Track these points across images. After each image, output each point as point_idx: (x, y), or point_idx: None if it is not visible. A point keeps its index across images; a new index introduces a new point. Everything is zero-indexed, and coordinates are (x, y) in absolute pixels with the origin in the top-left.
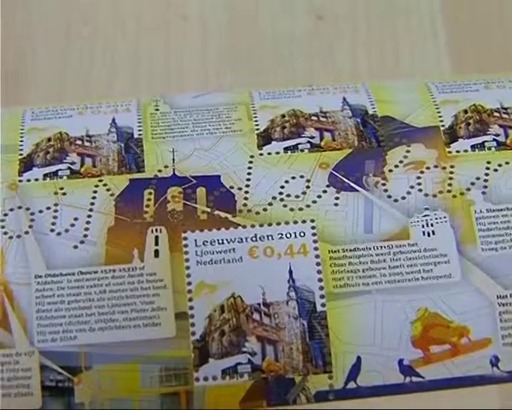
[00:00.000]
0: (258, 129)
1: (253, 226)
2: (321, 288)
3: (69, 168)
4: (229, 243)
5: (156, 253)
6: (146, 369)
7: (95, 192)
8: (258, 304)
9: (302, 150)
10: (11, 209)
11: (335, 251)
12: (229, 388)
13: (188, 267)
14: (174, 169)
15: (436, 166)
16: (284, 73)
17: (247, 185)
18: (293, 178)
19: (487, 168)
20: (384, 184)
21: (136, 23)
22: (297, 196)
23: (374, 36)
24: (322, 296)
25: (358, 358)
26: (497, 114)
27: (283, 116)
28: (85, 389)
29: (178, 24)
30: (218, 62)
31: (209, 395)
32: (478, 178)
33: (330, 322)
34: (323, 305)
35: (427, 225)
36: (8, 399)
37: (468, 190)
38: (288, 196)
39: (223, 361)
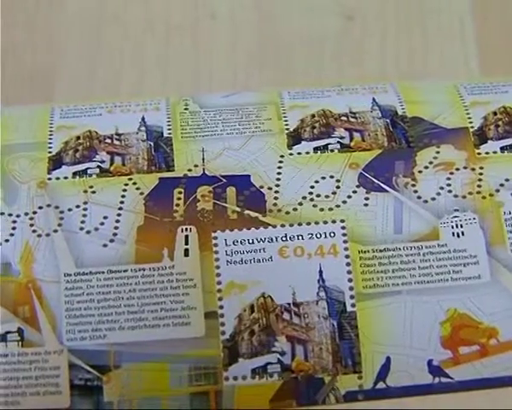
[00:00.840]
0: (287, 129)
1: (283, 226)
2: (351, 288)
3: (98, 167)
4: (259, 242)
5: (186, 252)
6: (175, 368)
7: (124, 191)
8: (288, 304)
9: (332, 150)
10: (40, 207)
11: (365, 251)
12: (259, 387)
13: (218, 267)
14: (204, 168)
15: (465, 168)
16: (313, 73)
17: (277, 185)
18: (323, 178)
19: None
20: (414, 185)
21: (165, 22)
22: (327, 196)
23: (403, 36)
24: (352, 297)
25: (388, 358)
26: None
27: (313, 116)
28: (114, 388)
29: (207, 23)
30: (247, 61)
31: (238, 394)
32: (507, 180)
33: (360, 322)
34: (353, 305)
35: (457, 226)
36: (37, 397)
37: (498, 191)
38: (318, 196)
39: (252, 361)
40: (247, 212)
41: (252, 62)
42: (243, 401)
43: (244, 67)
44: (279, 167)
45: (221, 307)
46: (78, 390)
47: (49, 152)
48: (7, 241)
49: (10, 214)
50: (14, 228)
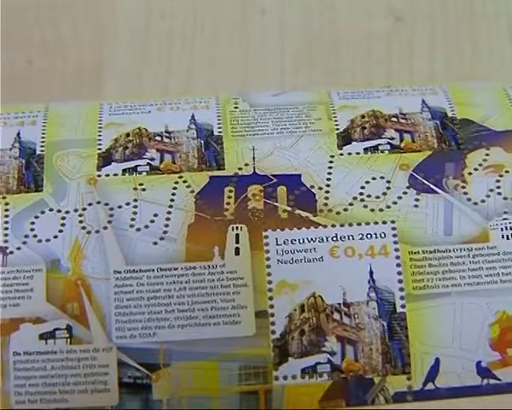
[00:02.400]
0: (338, 129)
1: (333, 226)
2: (401, 289)
3: (148, 164)
4: (309, 242)
5: (237, 251)
6: (225, 367)
7: (174, 189)
8: (339, 304)
9: (382, 151)
10: (90, 204)
11: (415, 252)
12: (309, 387)
13: (268, 266)
14: (254, 167)
15: None
16: (361, 74)
17: (328, 185)
18: (374, 178)
19: None
20: (464, 187)
21: (214, 19)
22: (377, 197)
23: (451, 38)
24: (402, 297)
25: (437, 359)
26: None
27: (363, 117)
28: (164, 387)
29: (256, 19)
30: (296, 60)
31: (288, 394)
32: None
33: (410, 323)
34: (403, 306)
35: (506, 229)
36: (85, 395)
37: None
38: (369, 196)
39: (302, 360)
40: (297, 211)
41: (300, 61)
42: (292, 401)
43: (293, 66)
44: (329, 167)
45: (271, 307)
46: (126, 388)
47: (99, 149)
48: (55, 237)
49: (59, 211)
50: (63, 224)
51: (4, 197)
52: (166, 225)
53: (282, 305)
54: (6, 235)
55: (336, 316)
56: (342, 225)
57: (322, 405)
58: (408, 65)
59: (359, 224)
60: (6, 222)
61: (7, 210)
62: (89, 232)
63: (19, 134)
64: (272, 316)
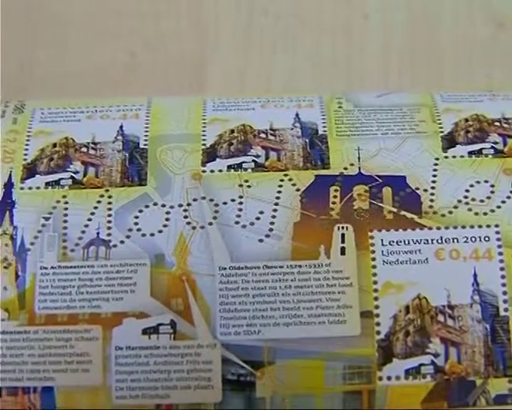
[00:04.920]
0: (442, 132)
1: (438, 228)
2: (504, 292)
3: (254, 161)
4: (415, 243)
5: (342, 250)
6: (330, 366)
7: (280, 186)
8: (443, 306)
9: (486, 155)
10: (194, 199)
11: None
12: (411, 388)
13: (374, 266)
14: (360, 167)
15: None
16: (462, 77)
17: (433, 187)
18: (478, 182)
19: None
20: None
21: (317, 20)
22: (481, 201)
23: None
24: (505, 301)
25: None
26: None
27: (467, 120)
28: (267, 384)
29: (359, 22)
30: (399, 62)
31: (391, 394)
32: None
33: None
34: (506, 309)
35: None
36: (188, 391)
37: None
38: (473, 200)
39: (406, 361)
40: (403, 213)
41: (403, 63)
42: (395, 402)
43: (396, 68)
44: (434, 170)
45: (377, 307)
46: (229, 385)
47: (203, 144)
48: (160, 232)
49: (163, 205)
50: (167, 219)
51: (107, 190)
52: (272, 223)
53: (387, 305)
54: (109, 228)
55: (440, 318)
56: (447, 228)
57: (424, 406)
58: (509, 70)
59: (464, 227)
60: (109, 215)
61: (110, 203)
62: (194, 228)
63: (121, 127)
64: (377, 316)
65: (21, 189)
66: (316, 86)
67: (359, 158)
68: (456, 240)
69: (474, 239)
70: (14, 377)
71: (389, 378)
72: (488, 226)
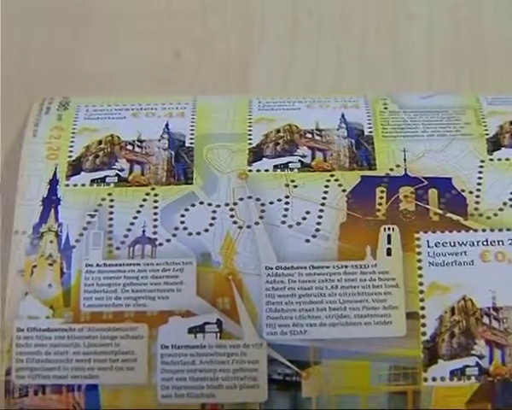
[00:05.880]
0: (487, 134)
1: (484, 231)
2: None
3: (300, 161)
4: (460, 245)
5: (388, 251)
6: (376, 367)
7: (326, 187)
8: (488, 308)
9: None
10: (241, 199)
11: None
12: (456, 389)
13: (420, 268)
14: (406, 169)
15: None
16: (507, 79)
17: (478, 189)
18: None
19: None
20: None
21: (362, 20)
22: None
23: None
24: None
25: None
26: None
27: (511, 123)
28: (313, 384)
29: (404, 23)
30: (444, 63)
31: (436, 395)
32: None
33: None
34: None
35: None
36: (233, 390)
37: None
38: None
39: (451, 363)
40: (448, 214)
41: (448, 64)
42: (440, 403)
43: (440, 69)
44: (480, 172)
45: (423, 308)
46: (275, 385)
47: (249, 144)
48: (206, 231)
49: (210, 204)
50: (213, 218)
51: (153, 188)
52: (319, 223)
53: (433, 307)
54: (155, 226)
55: (486, 320)
56: (493, 230)
57: (468, 407)
58: None
59: (509, 229)
60: (155, 214)
61: (156, 201)
62: (240, 227)
63: (167, 125)
64: (423, 318)
65: (66, 186)
66: (360, 87)
67: (405, 159)
68: (501, 242)
69: None
70: (58, 374)
71: (434, 379)
72: None
